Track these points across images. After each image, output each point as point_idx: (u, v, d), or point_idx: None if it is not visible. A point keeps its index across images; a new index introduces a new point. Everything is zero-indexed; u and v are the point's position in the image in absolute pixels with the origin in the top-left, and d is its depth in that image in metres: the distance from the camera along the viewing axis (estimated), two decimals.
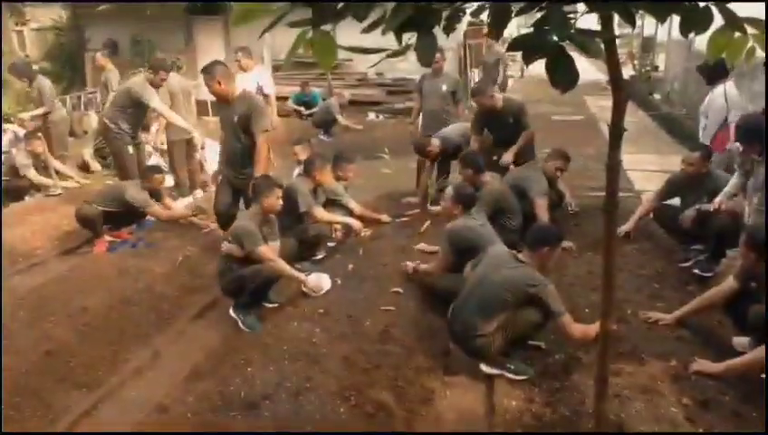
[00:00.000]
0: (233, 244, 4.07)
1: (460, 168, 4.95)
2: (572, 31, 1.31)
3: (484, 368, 3.48)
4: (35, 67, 11.44)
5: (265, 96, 7.06)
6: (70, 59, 13.91)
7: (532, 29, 1.39)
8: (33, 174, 6.84)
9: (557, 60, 1.34)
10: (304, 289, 4.23)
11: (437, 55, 6.38)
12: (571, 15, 1.36)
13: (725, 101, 5.28)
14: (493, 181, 4.85)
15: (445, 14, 1.42)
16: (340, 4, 1.46)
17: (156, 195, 5.56)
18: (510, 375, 3.42)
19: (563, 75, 1.34)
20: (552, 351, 3.57)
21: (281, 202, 4.27)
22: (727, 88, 5.34)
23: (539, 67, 1.44)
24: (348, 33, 1.86)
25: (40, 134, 7.18)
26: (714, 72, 5.38)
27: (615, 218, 2.01)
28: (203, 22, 13.69)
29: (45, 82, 7.75)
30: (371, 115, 12.19)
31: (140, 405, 3.36)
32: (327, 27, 1.47)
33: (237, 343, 3.85)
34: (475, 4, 1.51)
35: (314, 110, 11.25)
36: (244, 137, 4.72)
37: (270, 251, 4.10)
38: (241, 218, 4.24)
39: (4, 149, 7.97)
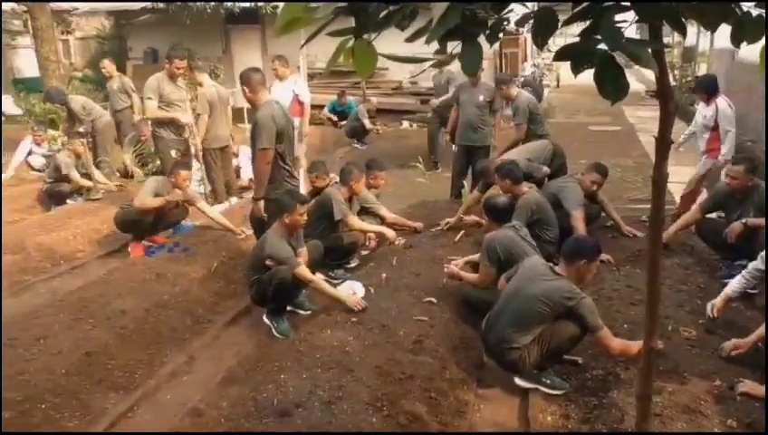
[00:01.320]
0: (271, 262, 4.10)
1: (497, 178, 4.89)
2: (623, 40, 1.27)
3: (519, 381, 3.42)
4: (79, 74, 11.83)
5: (301, 104, 7.12)
6: None
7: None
8: (74, 174, 7.02)
9: (606, 70, 1.31)
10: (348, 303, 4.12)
11: None
12: (620, 24, 1.33)
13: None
14: (530, 192, 4.78)
15: (489, 22, 1.40)
16: (383, 14, 1.46)
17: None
18: (545, 389, 3.35)
19: (613, 86, 1.31)
20: (590, 366, 3.49)
21: (305, 217, 4.27)
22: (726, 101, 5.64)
23: (574, 76, 1.41)
24: (385, 41, 1.86)
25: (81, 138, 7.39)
26: (714, 87, 5.71)
27: (661, 233, 1.94)
28: (240, 30, 13.92)
29: (77, 105, 7.92)
30: (405, 123, 12.21)
31: (176, 409, 3.41)
32: (368, 36, 1.47)
33: (270, 349, 3.86)
34: (520, 13, 1.49)
35: None
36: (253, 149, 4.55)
37: (308, 271, 4.13)
38: (271, 235, 4.18)
39: (46, 152, 8.21)
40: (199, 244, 5.57)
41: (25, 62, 15.39)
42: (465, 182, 6.82)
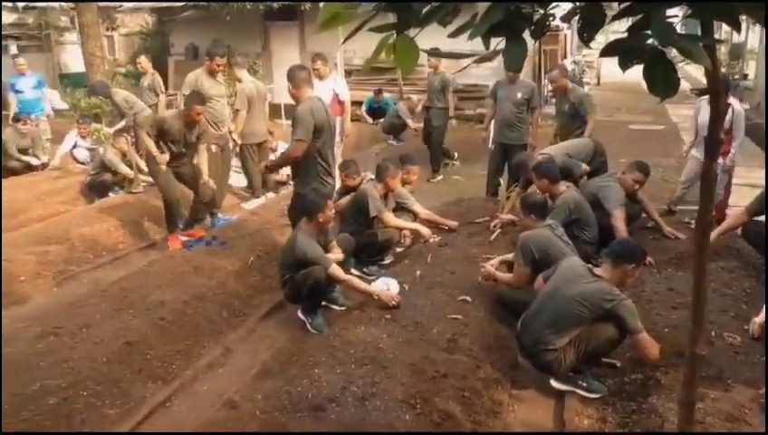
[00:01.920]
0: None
1: (534, 177, 4.82)
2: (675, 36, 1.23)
3: (555, 383, 3.37)
4: (122, 70, 12.11)
5: (341, 103, 7.14)
6: (154, 62, 14.59)
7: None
8: (123, 167, 7.27)
9: (656, 66, 1.26)
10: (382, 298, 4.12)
11: None
12: (671, 19, 1.28)
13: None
14: (568, 191, 4.70)
15: (534, 18, 1.37)
16: (425, 10, 1.44)
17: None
18: (582, 392, 3.30)
19: (663, 82, 1.26)
20: (629, 370, 3.42)
21: (333, 213, 4.28)
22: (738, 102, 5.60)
23: (616, 73, 1.37)
24: (424, 37, 1.84)
25: (125, 134, 7.58)
26: (727, 87, 5.70)
27: (708, 235, 1.88)
28: (279, 27, 14.04)
29: (120, 97, 8.09)
30: None
31: (212, 400, 3.47)
32: (410, 32, 1.45)
33: (305, 344, 3.89)
34: (565, 9, 1.45)
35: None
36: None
37: (341, 270, 4.15)
38: (300, 235, 4.17)
39: (90, 145, 8.44)
40: (237, 237, 5.65)
41: (71, 58, 15.83)
42: (501, 180, 6.74)
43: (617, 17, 1.33)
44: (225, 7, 12.35)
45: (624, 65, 1.29)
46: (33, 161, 8.27)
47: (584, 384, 3.30)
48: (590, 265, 3.41)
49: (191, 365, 3.84)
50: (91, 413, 3.25)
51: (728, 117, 5.45)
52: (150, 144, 5.55)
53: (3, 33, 15.23)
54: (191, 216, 6.07)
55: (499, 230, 5.31)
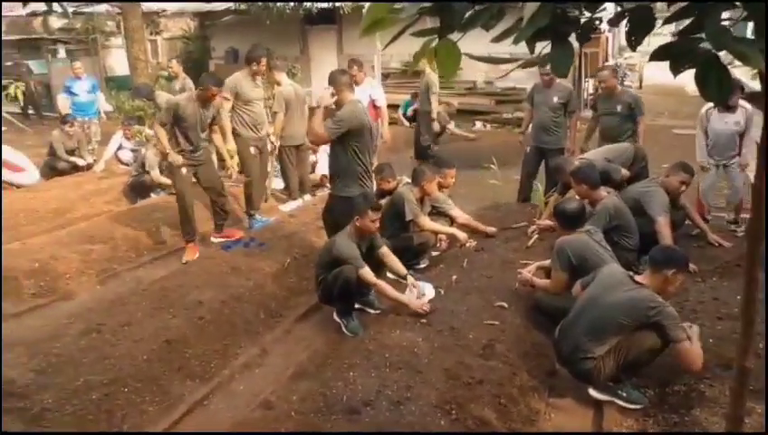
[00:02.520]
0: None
1: (573, 183, 4.74)
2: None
3: (593, 392, 3.30)
4: (165, 73, 12.40)
5: (377, 108, 7.15)
6: (196, 66, 14.90)
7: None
8: (155, 173, 7.33)
9: (710, 70, 1.22)
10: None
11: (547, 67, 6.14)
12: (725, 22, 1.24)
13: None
14: (608, 197, 4.60)
15: (581, 21, 1.34)
16: (468, 14, 1.43)
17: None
18: (621, 403, 3.22)
19: (717, 87, 1.22)
20: (671, 381, 3.32)
21: (376, 224, 4.23)
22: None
23: (658, 77, 1.34)
24: (463, 41, 1.83)
25: None
26: (741, 90, 5.45)
27: (760, 244, 1.81)
28: (317, 31, 14.17)
29: (162, 99, 8.21)
30: (479, 124, 12.06)
31: (248, 399, 3.50)
32: (454, 37, 1.44)
33: (340, 346, 3.90)
34: (612, 12, 1.42)
35: None
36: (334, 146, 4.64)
37: (372, 274, 4.12)
38: (340, 236, 4.20)
39: (134, 147, 8.65)
40: (274, 239, 5.71)
41: (117, 62, 16.29)
42: (538, 184, 6.66)
43: (669, 20, 1.29)
44: (265, 11, 12.52)
45: (675, 70, 1.25)
46: (80, 162, 8.51)
47: (624, 394, 3.22)
48: (630, 273, 3.33)
49: (228, 365, 3.89)
50: (132, 409, 3.32)
51: (741, 119, 5.43)
52: (163, 137, 5.52)
53: (53, 37, 15.77)
54: (216, 220, 6.08)
55: (537, 236, 5.24)
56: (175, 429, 3.30)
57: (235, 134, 6.33)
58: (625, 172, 5.29)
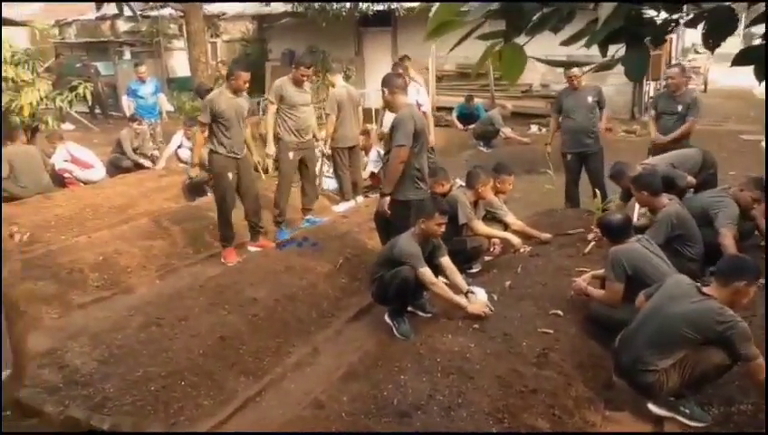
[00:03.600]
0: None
1: (633, 189, 4.59)
2: None
3: (653, 407, 3.18)
4: (223, 73, 12.71)
5: (423, 114, 7.11)
6: (253, 67, 15.24)
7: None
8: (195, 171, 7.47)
9: None
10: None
11: (575, 70, 6.01)
12: None
13: None
14: (671, 204, 4.44)
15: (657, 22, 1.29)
16: (536, 16, 1.40)
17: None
18: (683, 419, 3.09)
19: None
20: (736, 398, 3.17)
21: (442, 229, 4.16)
22: None
23: (723, 80, 1.27)
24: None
25: None
26: None
27: None
28: (372, 33, 14.25)
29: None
30: (534, 128, 11.86)
31: (299, 398, 3.54)
32: (520, 40, 1.41)
33: (391, 349, 3.89)
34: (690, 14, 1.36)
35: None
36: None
37: (432, 275, 4.07)
38: (404, 236, 4.17)
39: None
40: (327, 239, 5.76)
41: (178, 63, 16.82)
42: (596, 190, 6.48)
43: (755, 22, 1.22)
44: (321, 14, 12.67)
45: (760, 76, 1.19)
46: (143, 160, 8.83)
47: (686, 411, 3.09)
48: (698, 284, 3.20)
49: (281, 363, 3.94)
50: (188, 402, 3.41)
51: None
52: (200, 138, 5.52)
53: (119, 40, 16.42)
54: (252, 231, 6.03)
55: (594, 243, 5.10)
56: (226, 424, 3.36)
57: (277, 137, 6.30)
58: (690, 179, 5.10)
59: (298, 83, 6.25)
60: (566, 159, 6.56)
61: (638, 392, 3.26)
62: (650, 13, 1.27)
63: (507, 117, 10.72)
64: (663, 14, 1.29)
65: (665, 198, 4.49)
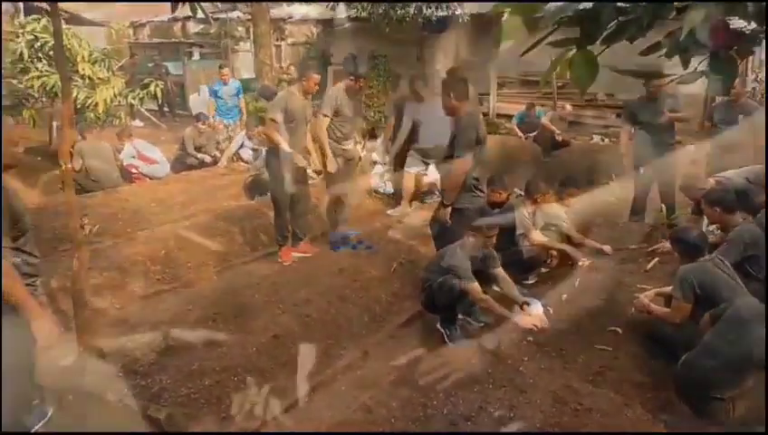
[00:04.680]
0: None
1: (704, 205, 4.39)
2: None
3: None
4: (286, 77, 12.96)
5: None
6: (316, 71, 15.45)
7: None
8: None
9: None
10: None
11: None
12: None
13: None
14: (746, 223, 4.21)
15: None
16: (612, 24, 1.34)
17: None
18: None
19: None
20: None
21: (492, 241, 4.10)
22: None
23: None
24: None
25: None
26: None
27: None
28: (434, 38, 14.21)
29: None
30: (596, 138, 11.54)
31: (348, 401, 3.53)
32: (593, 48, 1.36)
33: (442, 357, 3.83)
34: None
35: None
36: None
37: (479, 290, 4.00)
38: (456, 247, 4.12)
39: (255, 146, 9.08)
40: (381, 243, 5.76)
41: (243, 65, 17.25)
42: (662, 205, 6.24)
43: None
44: (384, 19, 12.73)
45: None
46: (207, 159, 9.08)
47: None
48: None
49: (331, 365, 3.96)
50: (240, 398, 3.46)
51: None
52: (276, 136, 5.39)
53: (189, 41, 16.97)
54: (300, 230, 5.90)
55: (657, 259, 4.91)
56: (275, 423, 3.39)
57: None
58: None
59: (353, 93, 6.06)
60: (638, 172, 6.31)
61: (701, 418, 3.11)
62: (740, 23, 1.20)
63: (565, 119, 10.47)
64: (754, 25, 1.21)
65: (739, 217, 4.27)
